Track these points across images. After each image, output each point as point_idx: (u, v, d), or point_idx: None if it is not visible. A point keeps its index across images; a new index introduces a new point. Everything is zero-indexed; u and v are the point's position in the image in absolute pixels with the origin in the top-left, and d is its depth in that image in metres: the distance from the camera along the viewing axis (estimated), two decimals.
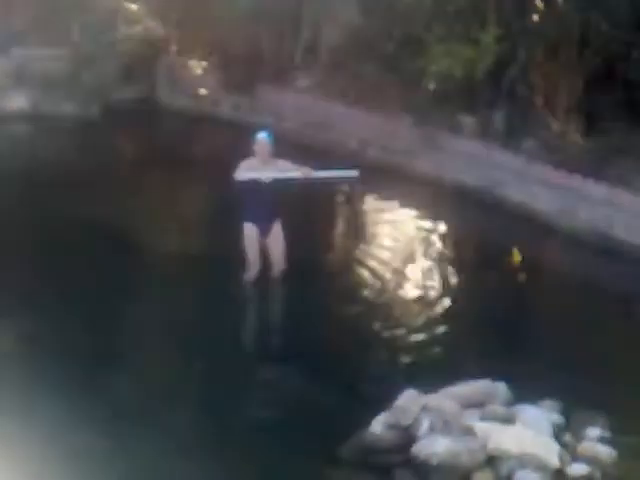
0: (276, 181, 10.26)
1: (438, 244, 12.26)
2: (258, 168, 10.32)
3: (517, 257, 11.96)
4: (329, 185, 11.80)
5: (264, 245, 10.57)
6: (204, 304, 9.98)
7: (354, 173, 10.73)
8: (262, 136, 10.47)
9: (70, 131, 15.48)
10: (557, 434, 7.76)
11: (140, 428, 7.81)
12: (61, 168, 13.72)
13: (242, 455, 7.77)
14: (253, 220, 10.45)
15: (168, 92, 16.75)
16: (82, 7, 15.87)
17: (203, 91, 16.49)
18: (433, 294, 10.79)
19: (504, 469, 7.38)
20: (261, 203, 10.36)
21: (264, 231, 10.51)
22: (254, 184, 10.23)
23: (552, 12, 13.64)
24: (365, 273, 11.13)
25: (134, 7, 16.81)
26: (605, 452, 7.65)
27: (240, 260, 10.53)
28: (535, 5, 13.90)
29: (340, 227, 13.10)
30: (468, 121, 14.17)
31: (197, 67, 16.80)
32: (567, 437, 7.80)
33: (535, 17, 13.89)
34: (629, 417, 8.23)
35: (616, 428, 7.96)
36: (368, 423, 7.81)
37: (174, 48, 17.01)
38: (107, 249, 11.03)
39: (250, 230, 10.48)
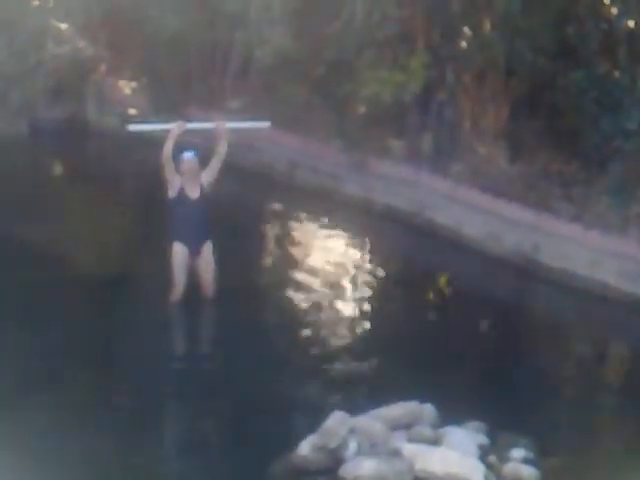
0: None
1: (366, 267, 12.33)
2: (185, 188, 10.30)
3: (444, 282, 12.08)
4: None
5: (194, 266, 10.50)
6: (126, 326, 9.85)
7: (267, 124, 10.69)
8: (188, 155, 10.41)
9: None
10: (483, 455, 7.86)
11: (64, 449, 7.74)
12: None
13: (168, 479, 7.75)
14: (182, 239, 10.36)
15: (97, 112, 16.62)
16: (9, 25, 15.69)
17: (132, 111, 16.41)
18: (360, 317, 10.85)
19: None
20: (190, 222, 10.31)
21: (194, 251, 10.41)
22: (178, 202, 10.21)
23: (479, 39, 13.86)
24: (293, 296, 11.12)
25: (63, 26, 16.67)
26: (529, 473, 7.77)
27: (167, 281, 10.46)
28: (463, 32, 14.12)
29: (269, 250, 13.09)
30: (397, 145, 14.30)
31: (127, 87, 16.73)
32: (492, 458, 7.90)
33: (463, 43, 14.11)
34: (553, 438, 8.37)
35: (540, 449, 8.09)
36: (296, 445, 7.83)
37: (103, 68, 16.90)
38: (31, 268, 10.85)
39: (179, 250, 10.38)
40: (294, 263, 12.28)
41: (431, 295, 11.82)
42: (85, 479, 7.52)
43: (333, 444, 7.74)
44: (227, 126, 10.43)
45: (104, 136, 16.26)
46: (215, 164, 10.44)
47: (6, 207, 12.46)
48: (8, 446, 7.51)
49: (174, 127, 10.28)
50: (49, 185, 14.40)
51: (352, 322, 10.69)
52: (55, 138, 15.65)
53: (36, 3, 16.15)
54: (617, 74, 13.28)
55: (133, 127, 10.22)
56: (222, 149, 10.43)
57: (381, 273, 12.19)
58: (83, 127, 16.38)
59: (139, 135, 10.20)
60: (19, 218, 12.20)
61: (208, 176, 10.41)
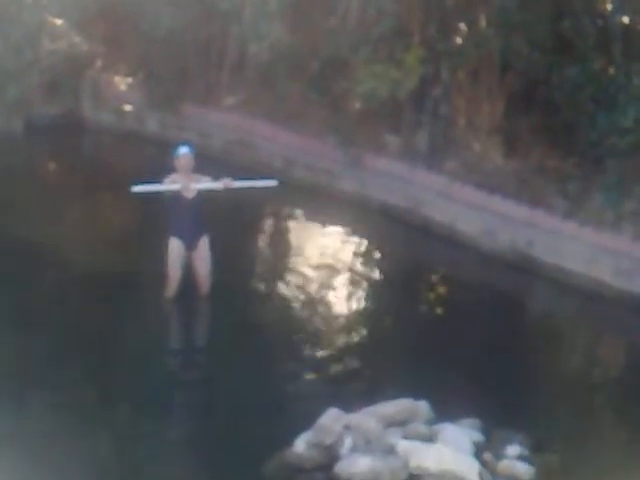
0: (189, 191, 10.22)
1: (360, 263, 12.35)
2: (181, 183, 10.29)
3: (439, 279, 12.07)
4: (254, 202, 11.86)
5: (190, 261, 10.49)
6: (121, 322, 9.87)
7: (273, 182, 10.70)
8: (184, 150, 10.39)
9: None
10: (477, 452, 7.89)
11: (63, 448, 7.75)
12: None
13: (165, 476, 7.76)
14: (178, 235, 10.36)
15: (92, 108, 16.62)
16: (4, 21, 15.66)
17: (128, 107, 16.41)
18: (356, 314, 10.87)
19: None
20: (186, 217, 10.30)
21: (190, 246, 10.41)
22: (174, 198, 10.21)
23: (475, 35, 13.86)
24: (288, 293, 11.14)
25: (58, 22, 16.65)
26: (524, 470, 7.80)
27: (162, 277, 10.46)
28: (458, 28, 14.11)
29: (265, 246, 13.12)
30: (392, 141, 14.31)
31: (122, 83, 16.72)
32: (487, 455, 7.93)
33: (458, 40, 14.11)
34: (547, 435, 8.40)
35: (535, 446, 8.12)
36: (291, 442, 7.85)
37: (99, 64, 16.89)
38: (26, 266, 10.86)
39: (175, 245, 10.38)
40: (289, 260, 12.29)
41: (426, 292, 11.83)
42: (85, 479, 7.54)
43: (328, 441, 7.78)
44: (234, 185, 10.37)
45: (100, 132, 16.27)
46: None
47: (1, 205, 12.47)
48: (8, 446, 7.54)
49: (180, 188, 10.20)
50: (45, 182, 14.40)
51: (347, 319, 10.71)
52: (51, 134, 15.64)
53: None
54: (612, 71, 13.28)
55: (137, 188, 10.13)
56: (217, 185, 10.38)
57: (376, 270, 12.23)
58: (79, 123, 16.37)
59: (143, 194, 10.13)
60: (14, 215, 12.21)
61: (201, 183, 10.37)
